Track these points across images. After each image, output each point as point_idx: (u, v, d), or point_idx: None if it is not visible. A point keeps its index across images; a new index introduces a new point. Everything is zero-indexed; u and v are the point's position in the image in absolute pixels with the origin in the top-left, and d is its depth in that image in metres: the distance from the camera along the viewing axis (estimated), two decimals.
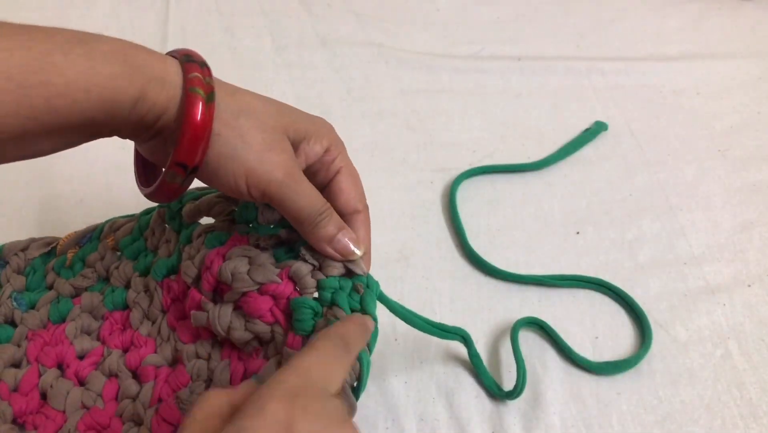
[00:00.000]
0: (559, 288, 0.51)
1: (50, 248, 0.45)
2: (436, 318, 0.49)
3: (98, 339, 0.41)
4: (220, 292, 0.38)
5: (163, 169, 0.31)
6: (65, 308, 0.42)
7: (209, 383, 0.37)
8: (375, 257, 0.52)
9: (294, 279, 0.35)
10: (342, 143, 0.36)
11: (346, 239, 0.34)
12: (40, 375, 0.39)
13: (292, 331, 0.35)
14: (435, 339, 0.47)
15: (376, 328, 0.34)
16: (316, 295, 0.35)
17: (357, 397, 0.31)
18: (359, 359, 0.32)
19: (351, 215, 0.36)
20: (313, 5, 0.75)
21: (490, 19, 0.75)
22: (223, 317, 0.36)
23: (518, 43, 0.71)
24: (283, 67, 0.68)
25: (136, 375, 0.39)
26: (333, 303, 0.34)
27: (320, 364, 0.27)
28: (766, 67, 0.69)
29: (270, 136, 0.31)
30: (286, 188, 0.32)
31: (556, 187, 0.58)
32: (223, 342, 0.38)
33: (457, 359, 0.47)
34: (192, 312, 0.38)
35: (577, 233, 0.55)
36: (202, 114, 0.29)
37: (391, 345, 0.47)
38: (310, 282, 0.35)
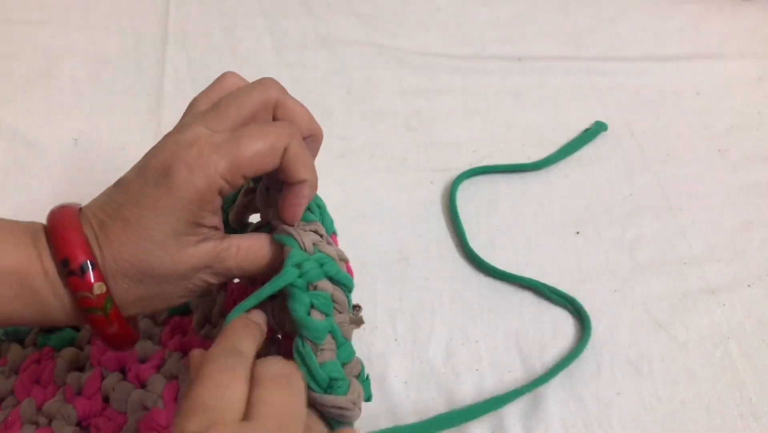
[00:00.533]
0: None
1: None
2: (436, 318, 0.49)
3: (159, 343, 0.41)
4: None
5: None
6: None
7: None
8: (375, 257, 0.53)
9: None
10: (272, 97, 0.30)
11: None
12: (103, 378, 0.39)
13: None
14: (435, 339, 0.48)
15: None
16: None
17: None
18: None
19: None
20: (313, 5, 0.75)
21: (490, 19, 0.75)
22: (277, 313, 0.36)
23: (518, 43, 0.71)
24: (283, 67, 0.68)
25: None
26: None
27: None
28: (766, 67, 0.69)
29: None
30: None
31: (556, 187, 0.58)
32: (283, 339, 0.38)
33: (457, 358, 0.47)
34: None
35: (577, 232, 0.55)
36: (106, 331, 0.29)
37: (391, 345, 0.47)
38: None
